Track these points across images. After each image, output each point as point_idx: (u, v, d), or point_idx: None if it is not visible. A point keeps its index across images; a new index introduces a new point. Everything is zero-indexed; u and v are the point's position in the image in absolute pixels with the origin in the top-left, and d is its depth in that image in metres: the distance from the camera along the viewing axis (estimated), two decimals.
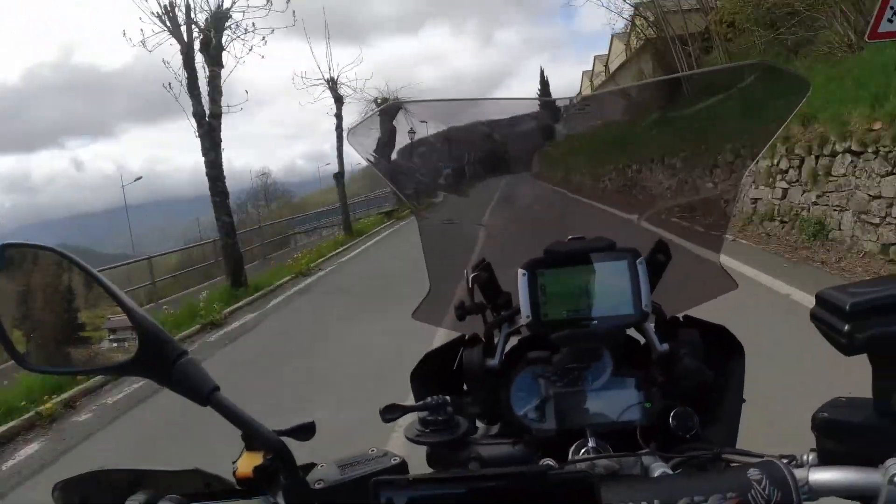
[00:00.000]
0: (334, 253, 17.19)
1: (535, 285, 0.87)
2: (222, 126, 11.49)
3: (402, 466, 0.70)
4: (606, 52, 34.46)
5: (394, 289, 8.18)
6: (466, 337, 0.98)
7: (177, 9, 10.83)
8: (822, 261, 6.83)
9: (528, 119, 1.16)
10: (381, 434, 2.14)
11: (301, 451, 0.67)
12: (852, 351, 0.62)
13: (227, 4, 11.38)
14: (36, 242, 0.68)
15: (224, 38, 11.38)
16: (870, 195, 6.50)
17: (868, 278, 0.90)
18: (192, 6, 10.97)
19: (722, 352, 0.91)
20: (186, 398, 0.64)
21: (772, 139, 1.02)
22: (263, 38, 11.81)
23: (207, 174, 11.40)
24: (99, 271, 0.66)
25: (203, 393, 0.64)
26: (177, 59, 11.03)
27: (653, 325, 0.90)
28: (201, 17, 11.17)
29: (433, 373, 0.97)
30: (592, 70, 39.22)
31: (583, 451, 0.83)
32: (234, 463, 0.67)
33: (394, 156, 1.11)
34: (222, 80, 11.35)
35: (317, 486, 0.67)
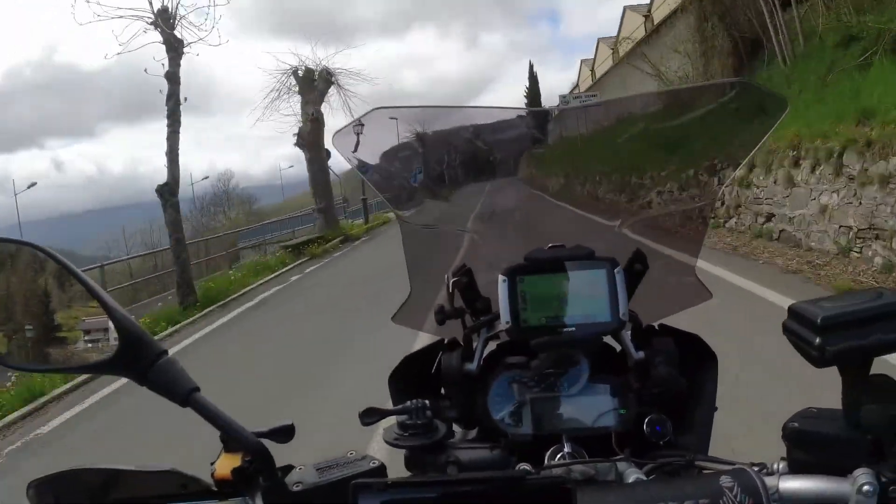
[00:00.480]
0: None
1: (514, 291, 0.88)
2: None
3: (381, 470, 0.70)
4: (592, 57, 34.76)
5: None
6: (445, 341, 0.99)
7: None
8: None
9: (513, 125, 1.18)
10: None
11: (280, 454, 0.67)
12: (823, 363, 0.63)
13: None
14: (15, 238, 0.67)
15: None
16: None
17: (840, 292, 0.92)
18: None
19: (696, 360, 0.93)
20: (165, 398, 0.64)
21: (751, 153, 1.05)
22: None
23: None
24: None
25: (182, 393, 0.64)
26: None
27: (629, 332, 0.92)
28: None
29: (411, 376, 0.97)
30: (579, 77, 39.43)
31: (559, 456, 0.84)
32: (212, 464, 0.67)
33: (377, 160, 1.11)
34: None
35: (295, 489, 0.67)
